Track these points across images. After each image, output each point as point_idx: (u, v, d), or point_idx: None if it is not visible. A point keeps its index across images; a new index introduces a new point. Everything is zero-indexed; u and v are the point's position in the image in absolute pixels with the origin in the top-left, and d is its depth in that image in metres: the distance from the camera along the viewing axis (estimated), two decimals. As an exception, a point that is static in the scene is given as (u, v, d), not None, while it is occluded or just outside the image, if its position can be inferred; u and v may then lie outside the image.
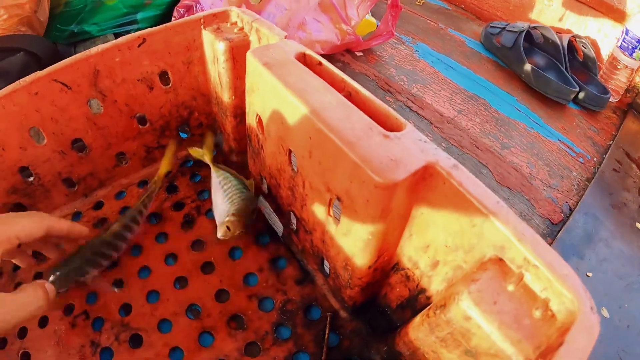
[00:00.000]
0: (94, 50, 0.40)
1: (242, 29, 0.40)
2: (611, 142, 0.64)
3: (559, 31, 0.74)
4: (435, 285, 0.30)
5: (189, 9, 0.53)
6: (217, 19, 0.42)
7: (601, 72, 0.73)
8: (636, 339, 0.43)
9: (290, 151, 0.32)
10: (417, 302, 0.33)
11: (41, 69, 0.50)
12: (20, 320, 0.26)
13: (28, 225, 0.29)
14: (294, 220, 0.37)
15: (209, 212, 0.43)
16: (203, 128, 0.46)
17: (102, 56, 0.39)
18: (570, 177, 0.56)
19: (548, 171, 0.56)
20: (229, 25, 0.42)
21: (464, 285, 0.24)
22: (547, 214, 0.51)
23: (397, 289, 0.35)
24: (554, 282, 0.22)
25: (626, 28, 0.68)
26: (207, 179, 0.44)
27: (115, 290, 0.38)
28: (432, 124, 0.56)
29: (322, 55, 0.37)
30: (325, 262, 0.35)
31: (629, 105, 0.72)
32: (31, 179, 0.44)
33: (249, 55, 0.33)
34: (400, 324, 0.34)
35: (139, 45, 0.40)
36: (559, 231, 0.49)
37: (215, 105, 0.44)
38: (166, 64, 0.41)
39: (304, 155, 0.29)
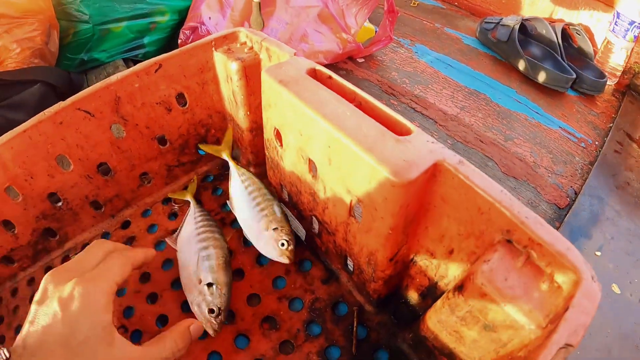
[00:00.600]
0: (113, 78, 0.44)
1: (252, 48, 0.45)
2: (611, 124, 0.68)
3: (552, 21, 0.78)
4: (452, 272, 0.34)
5: (194, 30, 0.57)
6: (227, 40, 0.46)
7: (597, 57, 0.78)
8: (649, 313, 0.47)
9: (310, 160, 0.36)
10: (436, 289, 0.37)
11: (58, 98, 0.55)
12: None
13: (120, 270, 0.31)
14: (315, 224, 0.41)
15: (234, 223, 0.47)
16: (219, 144, 0.51)
17: (121, 83, 0.44)
18: (574, 162, 0.60)
19: (551, 158, 0.60)
20: (238, 45, 0.46)
21: (477, 266, 0.29)
22: (554, 200, 0.55)
23: (417, 279, 0.39)
24: (557, 257, 0.26)
25: (617, 12, 0.73)
26: (226, 192, 0.48)
27: None
28: (436, 122, 0.61)
29: (325, 65, 0.42)
30: (349, 259, 0.39)
31: (627, 87, 0.76)
32: (59, 204, 0.48)
33: (264, 74, 0.37)
34: (423, 313, 0.39)
35: (155, 71, 0.45)
36: (566, 215, 0.53)
37: (230, 121, 0.49)
38: (182, 86, 0.46)
39: (324, 163, 0.34)
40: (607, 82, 0.73)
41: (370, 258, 0.35)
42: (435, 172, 0.30)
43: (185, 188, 0.49)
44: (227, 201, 0.46)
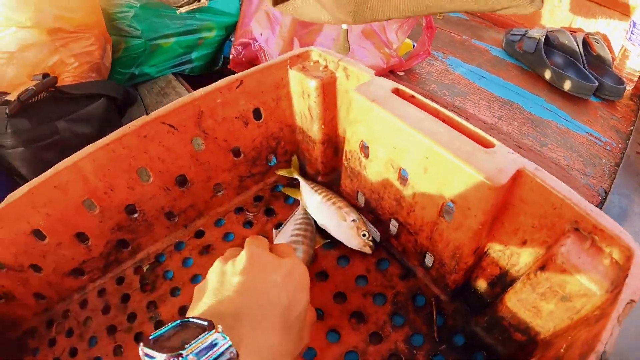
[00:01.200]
0: (198, 93, 0.53)
1: (326, 67, 0.56)
2: (632, 127, 0.84)
3: (571, 30, 0.94)
4: (523, 259, 0.46)
5: (246, 46, 0.68)
6: (300, 59, 0.57)
7: (615, 63, 0.95)
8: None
9: (400, 169, 0.48)
10: (507, 277, 0.49)
11: (118, 111, 0.65)
12: None
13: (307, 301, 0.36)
14: (394, 227, 0.53)
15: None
16: (288, 155, 0.61)
17: (205, 98, 0.53)
18: (601, 164, 0.75)
19: (582, 161, 0.75)
20: (312, 63, 0.57)
21: (556, 249, 0.41)
22: (587, 199, 0.69)
23: (488, 270, 0.51)
24: (614, 239, 0.38)
25: (633, 21, 0.89)
26: (298, 202, 0.58)
27: None
28: (477, 130, 0.75)
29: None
30: (428, 256, 0.51)
31: (643, 91, 0.94)
32: (135, 215, 0.57)
33: (355, 93, 0.49)
34: (491, 299, 0.51)
35: (237, 87, 0.55)
36: (599, 213, 0.68)
37: (299, 134, 0.59)
38: (259, 101, 0.55)
39: (418, 172, 0.45)
40: (626, 88, 0.90)
41: (456, 252, 0.47)
42: (517, 177, 0.43)
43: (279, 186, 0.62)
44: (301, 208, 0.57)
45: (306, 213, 0.56)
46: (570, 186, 0.72)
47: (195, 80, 0.83)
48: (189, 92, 0.74)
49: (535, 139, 0.73)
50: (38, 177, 0.48)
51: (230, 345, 0.25)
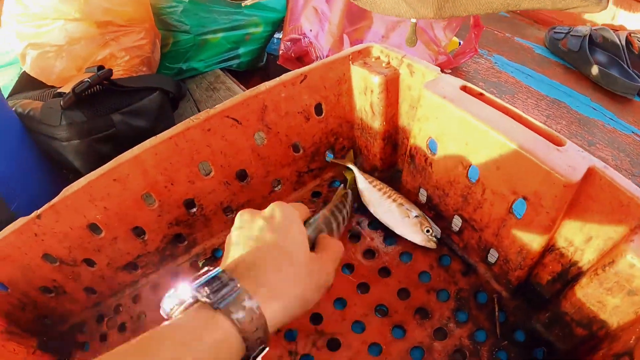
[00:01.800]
0: (262, 87, 0.56)
1: (389, 63, 0.60)
2: (675, 128, 0.89)
3: (614, 29, 0.99)
4: (587, 256, 0.50)
5: (296, 42, 0.71)
6: (362, 55, 0.60)
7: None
8: None
9: (470, 166, 0.52)
10: (568, 274, 0.52)
11: (171, 105, 0.69)
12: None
13: (305, 211, 0.42)
14: (457, 223, 0.57)
15: (371, 224, 0.60)
16: (345, 151, 0.64)
17: (269, 93, 0.56)
18: (649, 164, 0.80)
19: (629, 161, 0.79)
20: (373, 60, 0.62)
21: (625, 245, 0.46)
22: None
23: (550, 267, 0.54)
24: None
25: (675, 19, 0.95)
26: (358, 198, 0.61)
27: None
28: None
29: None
30: (492, 252, 0.55)
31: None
32: (194, 210, 0.60)
33: (425, 90, 0.52)
34: (550, 296, 0.55)
35: (301, 82, 0.58)
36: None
37: (358, 130, 0.62)
38: (321, 96, 0.58)
39: (490, 168, 0.49)
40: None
41: (523, 248, 0.51)
42: (588, 174, 0.47)
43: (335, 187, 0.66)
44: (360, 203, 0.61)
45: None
46: (619, 187, 0.77)
47: (241, 75, 0.87)
48: (239, 87, 0.78)
49: (584, 138, 0.78)
50: (97, 169, 0.50)
51: (234, 280, 0.30)
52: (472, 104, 0.50)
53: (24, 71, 0.73)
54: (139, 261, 0.61)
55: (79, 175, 0.66)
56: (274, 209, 0.39)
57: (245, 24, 0.76)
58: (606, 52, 0.91)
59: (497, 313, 0.54)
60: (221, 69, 0.80)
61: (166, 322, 0.28)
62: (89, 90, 0.60)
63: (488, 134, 0.47)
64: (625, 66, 0.89)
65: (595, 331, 0.46)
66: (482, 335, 0.52)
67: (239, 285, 0.30)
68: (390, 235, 0.59)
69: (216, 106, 0.54)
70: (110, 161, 0.51)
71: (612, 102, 0.87)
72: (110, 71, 0.60)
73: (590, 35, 0.92)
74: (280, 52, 0.74)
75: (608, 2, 0.47)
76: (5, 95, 0.76)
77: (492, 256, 0.54)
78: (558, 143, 0.47)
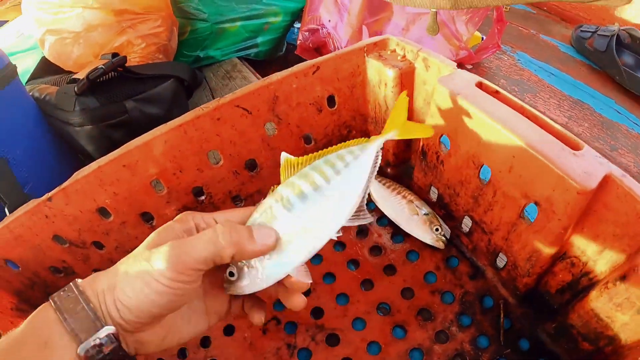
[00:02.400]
0: (274, 77, 0.55)
1: (404, 57, 0.59)
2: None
3: (643, 29, 0.96)
4: (599, 267, 0.48)
5: (314, 32, 0.71)
6: (377, 47, 0.59)
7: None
8: None
9: (482, 166, 0.51)
10: (578, 284, 0.51)
11: (186, 93, 0.69)
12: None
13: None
14: (467, 224, 0.56)
15: (380, 220, 0.59)
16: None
17: (281, 83, 0.55)
18: (672, 174, 0.76)
19: None
20: (389, 52, 0.60)
21: (638, 260, 0.44)
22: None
23: (560, 276, 0.53)
24: None
25: None
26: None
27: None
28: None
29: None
30: (501, 256, 0.53)
31: None
32: (202, 197, 0.60)
33: (439, 85, 0.51)
34: (558, 306, 0.53)
35: (313, 73, 0.56)
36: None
37: (372, 123, 0.61)
38: (334, 88, 0.57)
39: (502, 170, 0.47)
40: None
41: (533, 255, 0.49)
42: (604, 182, 0.45)
43: None
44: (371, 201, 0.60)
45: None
46: None
47: (259, 64, 0.87)
48: (255, 76, 0.78)
49: (606, 142, 0.75)
50: (107, 155, 0.50)
51: None
52: (487, 101, 0.48)
53: (43, 57, 0.74)
54: (146, 247, 0.61)
55: (92, 160, 0.67)
56: None
57: (264, 13, 0.76)
58: (634, 53, 0.88)
59: (502, 319, 0.52)
60: (239, 57, 0.79)
61: None
62: (103, 77, 0.60)
63: (501, 133, 0.45)
64: (654, 68, 0.85)
65: (602, 347, 0.44)
66: (484, 341, 0.51)
67: None
68: (398, 233, 0.58)
69: (226, 95, 0.53)
70: (120, 147, 0.51)
71: (638, 106, 0.84)
72: (124, 58, 0.60)
73: (618, 35, 0.88)
74: (298, 42, 0.74)
75: (633, -4, 0.45)
76: (27, 79, 0.77)
77: (501, 260, 0.52)
78: (575, 147, 0.45)
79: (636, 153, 0.75)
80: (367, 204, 0.60)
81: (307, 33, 0.72)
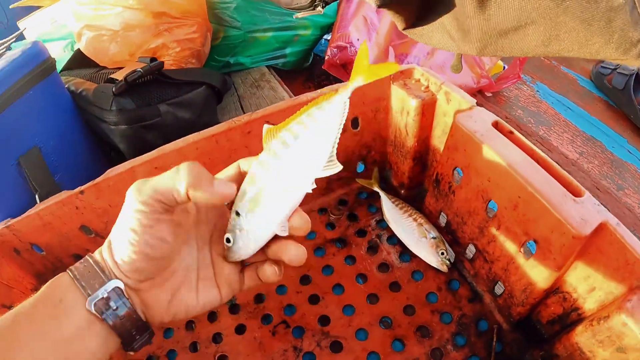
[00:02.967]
0: (304, 97, 0.61)
1: (427, 87, 0.66)
2: None
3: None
4: (588, 305, 0.55)
5: (342, 50, 0.77)
6: (403, 76, 0.65)
7: None
8: None
9: (489, 201, 0.58)
10: (568, 318, 0.58)
11: (216, 99, 0.76)
12: None
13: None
14: (471, 251, 0.63)
15: (390, 239, 0.66)
16: (375, 164, 0.69)
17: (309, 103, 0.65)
18: (676, 217, 0.83)
19: None
20: (413, 81, 0.67)
21: (622, 304, 0.51)
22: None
23: (552, 308, 0.60)
24: None
25: None
26: (380, 211, 0.67)
27: None
28: (560, 166, 0.84)
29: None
30: (499, 285, 0.60)
31: None
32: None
33: (458, 122, 0.58)
34: (548, 336, 0.60)
35: None
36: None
37: (390, 146, 0.67)
38: (359, 111, 0.63)
39: (508, 207, 0.53)
40: None
41: (528, 287, 0.56)
42: (600, 229, 0.52)
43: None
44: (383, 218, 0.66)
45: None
46: (641, 236, 0.81)
47: (285, 74, 0.93)
48: (282, 87, 0.85)
49: (613, 182, 0.82)
50: (141, 156, 0.57)
51: None
52: (501, 142, 0.55)
53: (78, 49, 0.81)
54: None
55: (121, 155, 0.74)
56: None
57: (295, 25, 0.82)
58: (653, 93, 0.94)
59: (494, 343, 0.59)
60: (267, 66, 0.86)
61: None
62: (140, 79, 0.67)
63: (511, 174, 0.52)
64: (670, 112, 0.92)
65: (583, 380, 0.50)
66: (476, 361, 0.58)
67: None
68: (405, 252, 0.65)
69: (258, 111, 0.60)
70: (154, 150, 0.57)
71: (650, 147, 0.90)
72: (161, 64, 0.67)
73: (637, 74, 0.95)
74: (326, 57, 0.80)
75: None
76: (60, 69, 0.84)
77: (499, 288, 0.59)
78: (577, 194, 0.52)
79: (642, 194, 0.82)
80: (378, 223, 0.68)
81: (335, 49, 0.79)
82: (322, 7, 0.59)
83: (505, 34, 0.44)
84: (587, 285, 0.50)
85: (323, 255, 0.66)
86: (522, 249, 0.55)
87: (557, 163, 0.90)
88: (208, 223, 0.40)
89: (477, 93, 0.91)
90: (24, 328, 0.31)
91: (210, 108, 0.73)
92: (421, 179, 0.70)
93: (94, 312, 0.33)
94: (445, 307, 0.60)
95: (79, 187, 0.57)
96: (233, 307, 0.62)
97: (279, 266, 0.39)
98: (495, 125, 0.57)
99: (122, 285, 0.33)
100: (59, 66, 0.79)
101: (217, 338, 0.60)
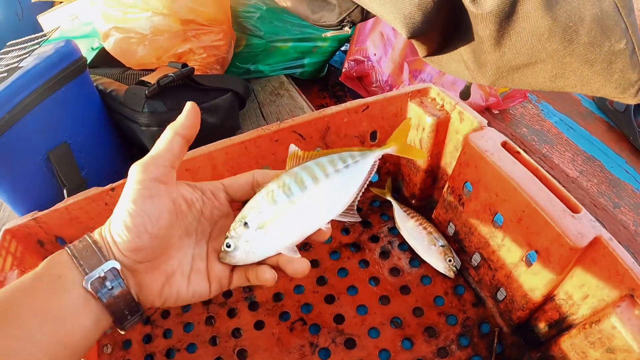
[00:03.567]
0: (329, 110, 0.71)
1: (442, 106, 0.75)
2: None
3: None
4: (582, 311, 0.64)
5: (359, 63, 0.86)
6: (420, 94, 0.75)
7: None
8: None
9: (496, 213, 0.67)
10: (563, 323, 0.67)
11: (239, 105, 0.84)
12: None
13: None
14: (476, 259, 0.73)
15: (400, 245, 0.74)
16: (389, 175, 0.78)
17: (334, 116, 0.70)
18: (669, 236, 0.94)
19: None
20: (429, 100, 0.77)
21: (612, 309, 0.61)
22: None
23: (549, 313, 0.69)
24: None
25: None
26: (393, 219, 0.76)
27: None
28: (560, 183, 0.94)
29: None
30: (502, 290, 0.70)
31: None
32: None
33: (470, 140, 0.67)
34: (545, 339, 0.70)
35: (363, 110, 0.73)
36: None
37: (404, 158, 0.79)
38: (378, 125, 0.72)
39: (512, 220, 0.63)
40: None
41: (528, 293, 0.66)
42: (594, 242, 0.61)
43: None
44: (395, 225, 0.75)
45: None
46: (634, 251, 0.92)
47: (302, 83, 1.02)
48: (301, 96, 0.94)
49: (610, 200, 0.92)
50: None
51: None
52: (509, 161, 0.64)
53: (103, 48, 0.89)
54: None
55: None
56: None
57: (314, 37, 0.91)
58: (652, 116, 1.05)
59: (495, 344, 0.68)
60: (286, 75, 0.95)
61: None
62: (171, 84, 0.76)
63: (517, 191, 0.61)
64: (668, 134, 1.03)
65: (577, 379, 0.58)
66: (478, 361, 0.68)
67: None
68: (415, 258, 0.73)
69: (286, 121, 0.68)
70: (186, 153, 0.67)
71: (647, 168, 1.01)
72: (192, 70, 0.75)
73: (639, 97, 1.06)
74: (343, 69, 0.89)
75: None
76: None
77: (501, 294, 0.68)
78: (575, 210, 0.61)
79: (637, 212, 0.92)
80: (390, 230, 0.77)
81: (352, 63, 0.88)
82: (350, 28, 0.68)
83: (517, 69, 0.54)
84: (582, 292, 0.59)
85: (338, 259, 0.74)
86: (524, 259, 0.64)
87: (558, 181, 1.02)
88: (211, 219, 0.44)
89: (485, 110, 1.01)
90: (22, 302, 0.33)
91: (234, 113, 0.81)
92: (431, 191, 0.79)
93: (90, 290, 0.35)
94: (451, 310, 0.69)
95: (109, 185, 0.64)
96: (252, 304, 0.70)
97: (274, 272, 0.42)
98: (504, 145, 0.66)
99: (118, 266, 0.36)
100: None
101: (236, 333, 0.68)
